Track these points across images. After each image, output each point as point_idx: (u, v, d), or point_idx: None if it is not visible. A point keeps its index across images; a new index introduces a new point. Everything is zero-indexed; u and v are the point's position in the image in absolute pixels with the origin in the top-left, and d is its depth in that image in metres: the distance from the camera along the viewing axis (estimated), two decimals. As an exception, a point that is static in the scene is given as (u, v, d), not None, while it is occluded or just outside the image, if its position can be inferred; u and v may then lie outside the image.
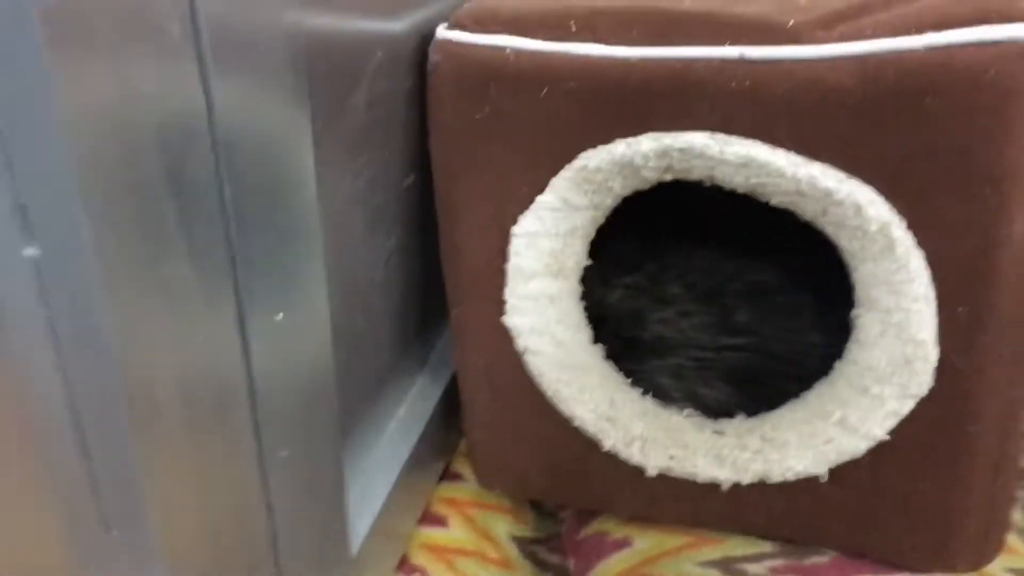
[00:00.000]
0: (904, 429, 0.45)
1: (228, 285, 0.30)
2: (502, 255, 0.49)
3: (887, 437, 0.45)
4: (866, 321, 0.44)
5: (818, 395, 0.48)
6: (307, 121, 0.34)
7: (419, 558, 0.56)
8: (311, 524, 0.40)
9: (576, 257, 0.49)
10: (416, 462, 0.53)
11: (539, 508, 0.62)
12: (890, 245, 0.42)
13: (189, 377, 0.30)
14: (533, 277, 0.49)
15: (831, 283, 0.52)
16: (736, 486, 0.50)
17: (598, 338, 0.52)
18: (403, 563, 0.55)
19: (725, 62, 0.42)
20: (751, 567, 0.50)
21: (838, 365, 0.47)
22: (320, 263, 0.36)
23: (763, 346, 0.51)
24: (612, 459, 0.52)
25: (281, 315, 0.33)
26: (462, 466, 0.61)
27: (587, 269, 0.50)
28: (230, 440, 0.33)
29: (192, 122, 0.28)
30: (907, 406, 0.45)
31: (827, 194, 0.42)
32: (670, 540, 0.53)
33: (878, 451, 0.46)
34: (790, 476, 0.48)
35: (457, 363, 0.54)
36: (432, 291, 0.53)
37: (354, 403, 0.47)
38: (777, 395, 0.51)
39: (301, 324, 0.35)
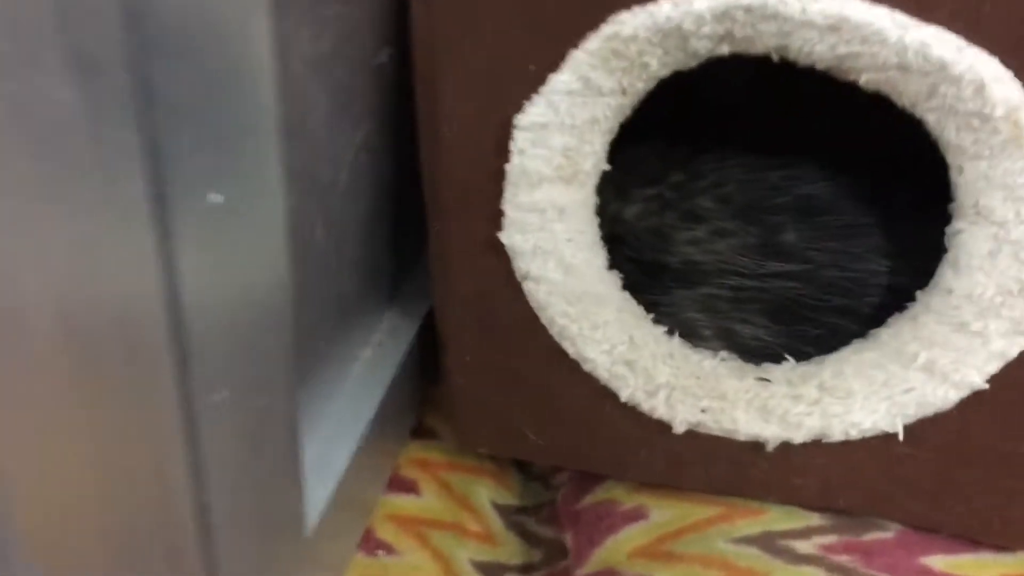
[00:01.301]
0: (1007, 375, 0.36)
1: (136, 146, 0.19)
2: (499, 154, 0.39)
3: (985, 385, 0.36)
4: (970, 237, 0.35)
5: (895, 333, 0.38)
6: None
7: (386, 532, 0.46)
8: (255, 493, 0.29)
9: (595, 158, 0.39)
10: (385, 416, 0.42)
11: (527, 471, 0.52)
12: (1018, 136, 0.32)
13: (78, 287, 0.20)
14: (540, 183, 0.39)
15: (896, 199, 0.43)
16: (784, 446, 0.40)
17: (614, 263, 0.42)
18: (367, 538, 0.45)
19: None
20: (798, 544, 0.41)
21: (923, 296, 0.37)
22: (273, 129, 0.25)
23: (814, 274, 0.42)
24: (629, 412, 0.42)
25: (219, 198, 0.23)
26: (436, 421, 0.51)
27: (600, 178, 0.40)
28: (140, 377, 0.22)
29: None
30: (1017, 346, 0.36)
31: (940, 67, 0.32)
32: (696, 511, 0.43)
33: (971, 402, 0.37)
34: (855, 434, 0.39)
35: (437, 293, 0.43)
36: (407, 203, 0.42)
37: (309, 340, 0.37)
38: (831, 334, 0.42)
39: (246, 214, 0.24)
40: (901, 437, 0.38)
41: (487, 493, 0.50)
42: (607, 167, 0.40)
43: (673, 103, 0.42)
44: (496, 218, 0.40)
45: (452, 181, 0.40)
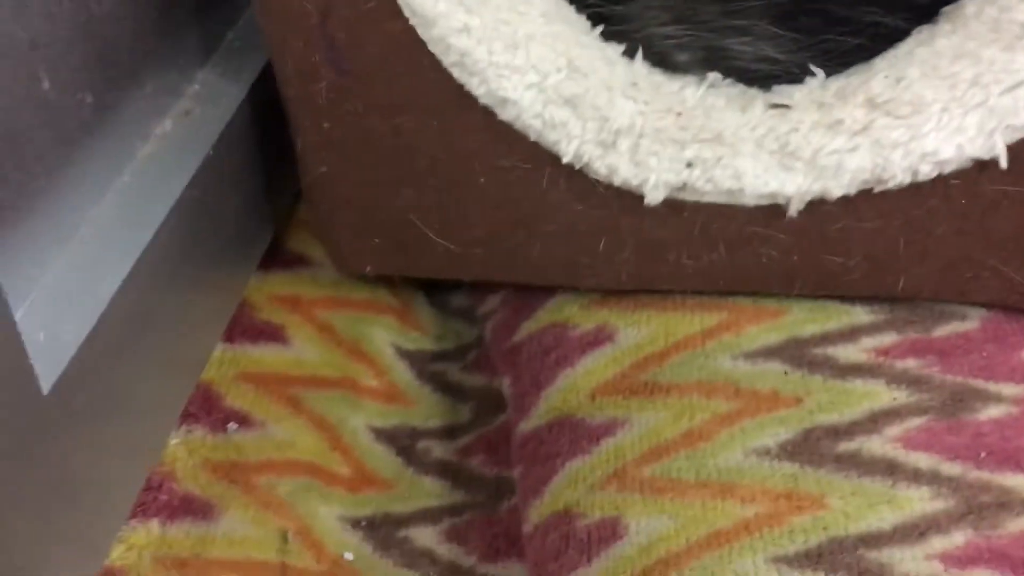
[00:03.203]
0: None
1: None
2: None
3: None
4: None
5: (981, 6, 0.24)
6: None
7: (240, 397, 0.31)
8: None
9: None
10: (187, 234, 0.27)
11: (443, 304, 0.38)
12: None
13: None
14: None
15: None
16: (815, 207, 0.27)
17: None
18: (208, 407, 0.30)
19: None
20: (841, 351, 0.28)
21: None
22: None
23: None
24: (577, 180, 0.28)
25: None
26: (306, 243, 0.36)
27: None
28: None
29: None
30: None
31: None
32: (683, 323, 0.30)
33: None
34: (927, 171, 0.25)
35: (262, 20, 0.28)
36: None
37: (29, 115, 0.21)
38: (874, 43, 0.27)
39: None
40: (1005, 164, 0.25)
41: (387, 336, 0.35)
42: None
43: None
44: None
45: None
